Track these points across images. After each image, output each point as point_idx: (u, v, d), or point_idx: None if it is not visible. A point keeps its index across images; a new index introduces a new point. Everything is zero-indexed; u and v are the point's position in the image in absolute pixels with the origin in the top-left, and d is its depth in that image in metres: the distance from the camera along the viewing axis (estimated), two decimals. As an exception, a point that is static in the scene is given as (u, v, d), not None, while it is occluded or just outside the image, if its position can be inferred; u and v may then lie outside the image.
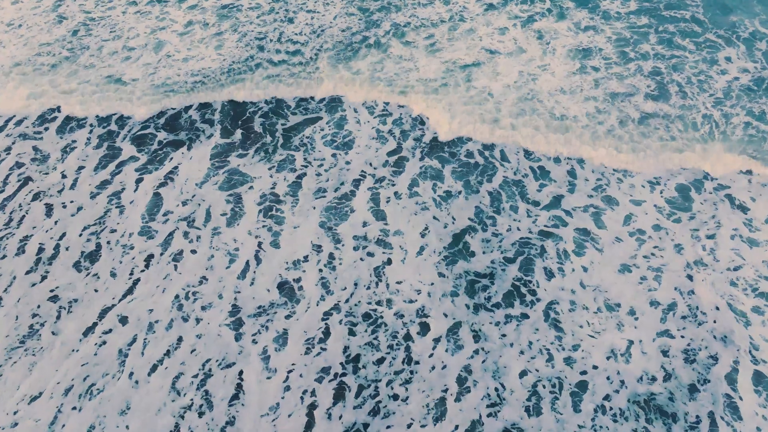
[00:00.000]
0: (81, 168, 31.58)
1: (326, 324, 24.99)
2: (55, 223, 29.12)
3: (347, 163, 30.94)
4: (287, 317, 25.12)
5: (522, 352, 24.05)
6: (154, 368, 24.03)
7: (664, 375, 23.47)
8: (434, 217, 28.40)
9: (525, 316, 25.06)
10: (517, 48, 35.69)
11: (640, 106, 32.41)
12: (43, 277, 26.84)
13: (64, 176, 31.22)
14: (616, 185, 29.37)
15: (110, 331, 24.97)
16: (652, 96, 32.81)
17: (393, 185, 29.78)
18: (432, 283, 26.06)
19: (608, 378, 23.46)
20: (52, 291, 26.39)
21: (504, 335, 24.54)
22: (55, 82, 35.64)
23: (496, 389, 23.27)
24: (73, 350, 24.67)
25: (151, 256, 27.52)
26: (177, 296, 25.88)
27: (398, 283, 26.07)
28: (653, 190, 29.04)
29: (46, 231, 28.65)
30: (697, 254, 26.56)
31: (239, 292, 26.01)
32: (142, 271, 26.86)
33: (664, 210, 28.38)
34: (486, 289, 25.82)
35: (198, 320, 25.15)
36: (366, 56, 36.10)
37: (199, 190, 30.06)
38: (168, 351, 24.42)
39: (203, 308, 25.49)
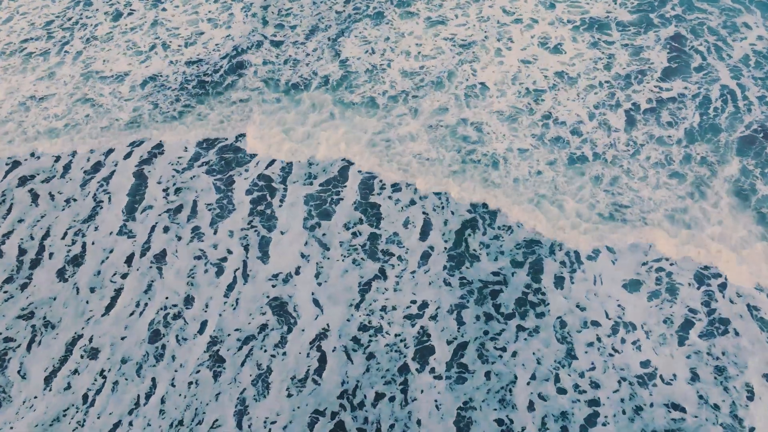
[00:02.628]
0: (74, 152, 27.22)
1: (319, 353, 20.42)
2: (42, 216, 24.88)
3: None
4: (275, 346, 20.48)
5: (534, 377, 19.41)
6: (114, 430, 19.32)
7: (690, 398, 19.08)
8: (433, 209, 23.76)
9: (536, 330, 20.59)
10: (528, 20, 29.98)
11: (651, 89, 26.85)
12: (23, 286, 22.08)
13: (57, 159, 27.14)
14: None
15: (76, 371, 20.28)
16: (667, 71, 27.39)
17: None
18: (438, 299, 21.38)
19: (623, 401, 18.82)
20: (24, 309, 21.98)
21: (514, 354, 19.72)
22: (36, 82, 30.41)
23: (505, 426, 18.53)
24: (32, 408, 20.04)
25: (131, 256, 23.30)
26: (152, 321, 21.11)
27: (393, 303, 21.32)
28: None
29: (29, 228, 24.57)
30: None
31: (221, 315, 21.32)
32: (124, 276, 22.36)
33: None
34: (496, 296, 20.89)
35: (173, 358, 20.35)
36: (359, 36, 30.29)
37: (190, 172, 26.03)
38: (136, 402, 19.85)
39: (179, 341, 20.76)
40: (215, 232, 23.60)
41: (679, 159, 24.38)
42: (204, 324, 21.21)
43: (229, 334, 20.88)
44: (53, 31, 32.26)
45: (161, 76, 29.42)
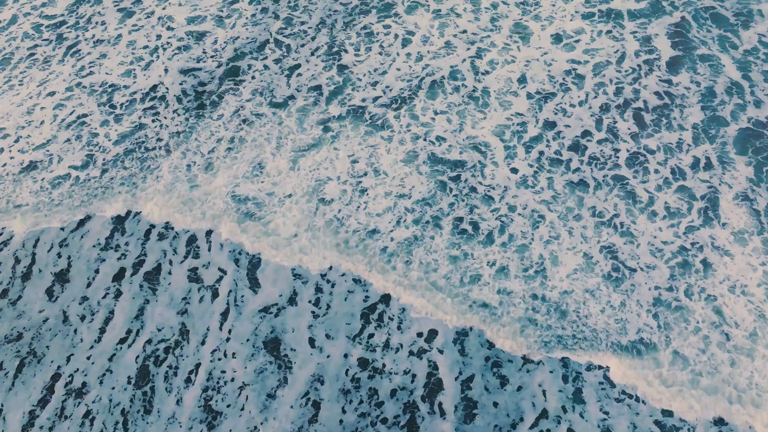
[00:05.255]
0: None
1: (315, 400, 17.05)
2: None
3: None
4: (273, 390, 17.20)
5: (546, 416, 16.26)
6: None
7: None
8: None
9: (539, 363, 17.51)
10: (543, 13, 26.23)
11: (658, 84, 23.32)
12: (13, 302, 19.16)
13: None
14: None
15: (61, 414, 17.24)
16: (675, 64, 23.82)
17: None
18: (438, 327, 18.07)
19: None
20: (12, 330, 18.71)
21: (519, 388, 16.80)
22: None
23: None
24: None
25: (121, 272, 20.15)
26: (138, 357, 17.98)
27: (399, 330, 18.02)
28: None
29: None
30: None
31: (213, 357, 17.86)
32: (116, 296, 18.98)
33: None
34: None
35: (158, 413, 17.11)
36: (363, 33, 26.31)
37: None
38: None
39: (168, 390, 17.63)
40: (209, 249, 20.47)
41: (687, 171, 21.17)
42: (197, 366, 18.25)
43: (223, 382, 17.85)
44: (56, 33, 28.03)
45: (158, 89, 25.23)
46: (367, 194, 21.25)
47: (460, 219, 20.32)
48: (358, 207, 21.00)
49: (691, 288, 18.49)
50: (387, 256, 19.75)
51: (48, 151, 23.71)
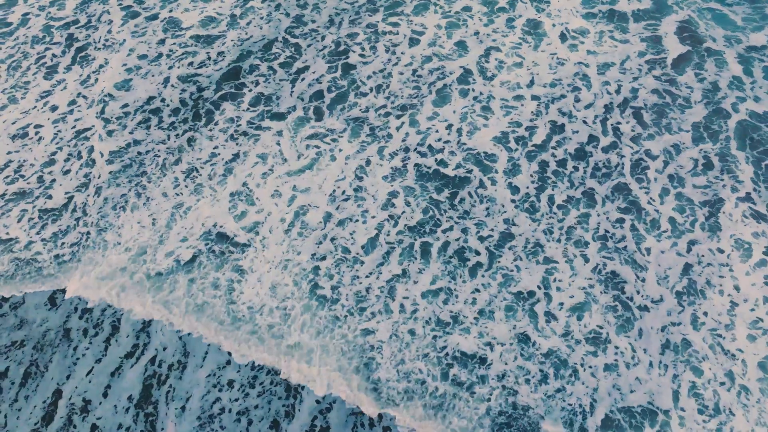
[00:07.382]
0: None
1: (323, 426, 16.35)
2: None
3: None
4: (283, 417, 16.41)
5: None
6: None
7: None
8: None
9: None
10: (554, 13, 24.96)
11: (663, 82, 22.36)
12: (14, 306, 18.35)
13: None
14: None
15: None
16: (680, 63, 22.85)
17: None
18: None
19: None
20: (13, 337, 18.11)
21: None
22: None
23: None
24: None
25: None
26: (143, 379, 17.24)
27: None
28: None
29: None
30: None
31: (212, 378, 17.08)
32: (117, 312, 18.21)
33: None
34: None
35: None
36: (368, 33, 24.92)
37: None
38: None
39: (167, 414, 16.74)
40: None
41: (688, 177, 20.25)
42: (196, 387, 17.39)
43: (225, 409, 16.96)
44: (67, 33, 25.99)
45: (158, 100, 23.25)
46: (347, 225, 19.64)
47: (448, 248, 18.94)
48: (335, 238, 19.29)
49: (697, 317, 17.52)
50: (362, 299, 18.08)
51: (42, 173, 21.92)
